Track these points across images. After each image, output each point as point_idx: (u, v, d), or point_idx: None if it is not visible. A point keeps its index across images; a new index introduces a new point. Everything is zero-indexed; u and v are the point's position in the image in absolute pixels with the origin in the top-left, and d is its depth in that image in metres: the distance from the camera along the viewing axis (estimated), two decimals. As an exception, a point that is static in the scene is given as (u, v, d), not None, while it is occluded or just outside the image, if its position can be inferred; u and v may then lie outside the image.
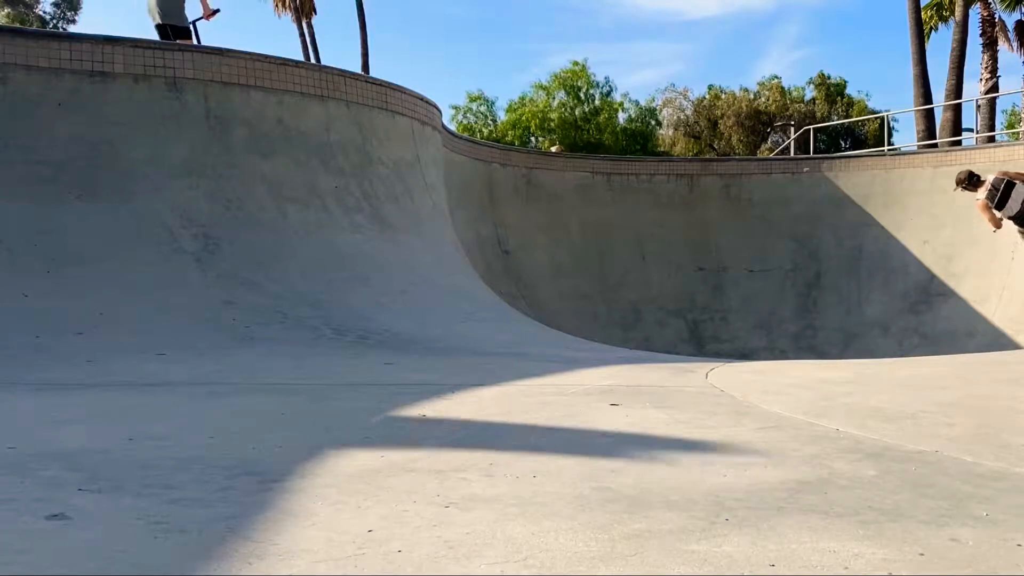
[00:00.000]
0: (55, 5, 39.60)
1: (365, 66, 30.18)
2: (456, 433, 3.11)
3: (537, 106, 38.24)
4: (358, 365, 5.22)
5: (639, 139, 38.60)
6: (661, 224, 14.29)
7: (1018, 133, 31.53)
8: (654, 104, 41.19)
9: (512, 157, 14.24)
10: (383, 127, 9.04)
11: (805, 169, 14.86)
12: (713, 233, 14.43)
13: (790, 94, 40.29)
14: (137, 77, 7.19)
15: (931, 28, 28.18)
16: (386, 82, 9.42)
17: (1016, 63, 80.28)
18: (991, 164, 13.54)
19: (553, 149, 18.68)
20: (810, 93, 40.64)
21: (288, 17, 32.27)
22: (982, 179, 8.08)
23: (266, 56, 8.08)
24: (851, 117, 37.70)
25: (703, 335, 13.75)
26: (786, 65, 77.89)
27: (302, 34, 31.34)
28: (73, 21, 39.94)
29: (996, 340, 11.72)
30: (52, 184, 6.55)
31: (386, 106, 9.16)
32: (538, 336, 7.90)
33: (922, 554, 1.85)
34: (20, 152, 6.56)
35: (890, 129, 27.58)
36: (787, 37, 72.80)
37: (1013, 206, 7.80)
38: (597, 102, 38.97)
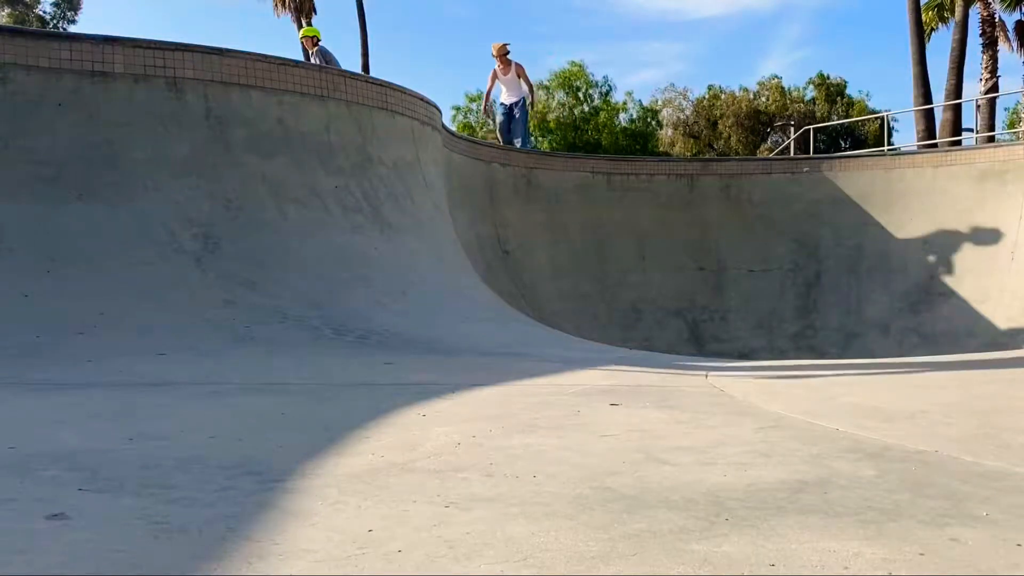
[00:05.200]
0: (55, 5, 39.61)
1: (365, 66, 30.18)
2: (456, 433, 3.11)
3: (537, 105, 38.26)
4: (358, 365, 5.23)
5: (639, 139, 38.63)
6: (661, 224, 14.27)
7: (1018, 133, 31.52)
8: (655, 104, 41.26)
9: (512, 157, 14.23)
10: (383, 127, 9.04)
11: (805, 169, 14.86)
12: (713, 233, 14.42)
13: (790, 94, 40.31)
14: (137, 77, 7.19)
15: (931, 28, 28.17)
16: (386, 82, 9.42)
17: (1016, 63, 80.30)
18: (991, 164, 13.56)
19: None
20: (810, 93, 40.67)
21: (288, 17, 32.28)
22: None
23: (266, 56, 8.08)
24: (851, 117, 37.71)
25: (703, 335, 13.75)
26: (787, 65, 78.02)
27: (302, 34, 31.32)
28: (73, 21, 39.96)
29: (996, 340, 11.71)
30: (52, 184, 6.55)
31: (386, 106, 9.15)
32: (538, 336, 7.90)
33: (922, 554, 1.85)
34: (20, 152, 6.56)
35: (890, 129, 27.58)
36: (788, 37, 72.82)
37: None
38: (596, 102, 39.00)
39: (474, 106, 40.09)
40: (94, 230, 6.48)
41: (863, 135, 37.78)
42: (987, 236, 13.21)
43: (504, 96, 13.93)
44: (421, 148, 9.70)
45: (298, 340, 5.92)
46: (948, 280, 13.24)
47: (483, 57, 71.83)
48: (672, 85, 56.76)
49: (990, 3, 26.46)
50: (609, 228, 14.04)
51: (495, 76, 13.86)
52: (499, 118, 14.11)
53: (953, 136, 22.49)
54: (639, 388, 4.30)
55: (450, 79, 73.59)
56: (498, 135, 14.72)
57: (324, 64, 11.26)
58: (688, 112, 41.32)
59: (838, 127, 37.79)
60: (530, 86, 14.08)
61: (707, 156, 35.16)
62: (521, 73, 13.80)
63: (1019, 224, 12.90)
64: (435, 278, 8.45)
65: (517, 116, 13.95)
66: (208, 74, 7.52)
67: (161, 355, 5.13)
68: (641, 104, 40.56)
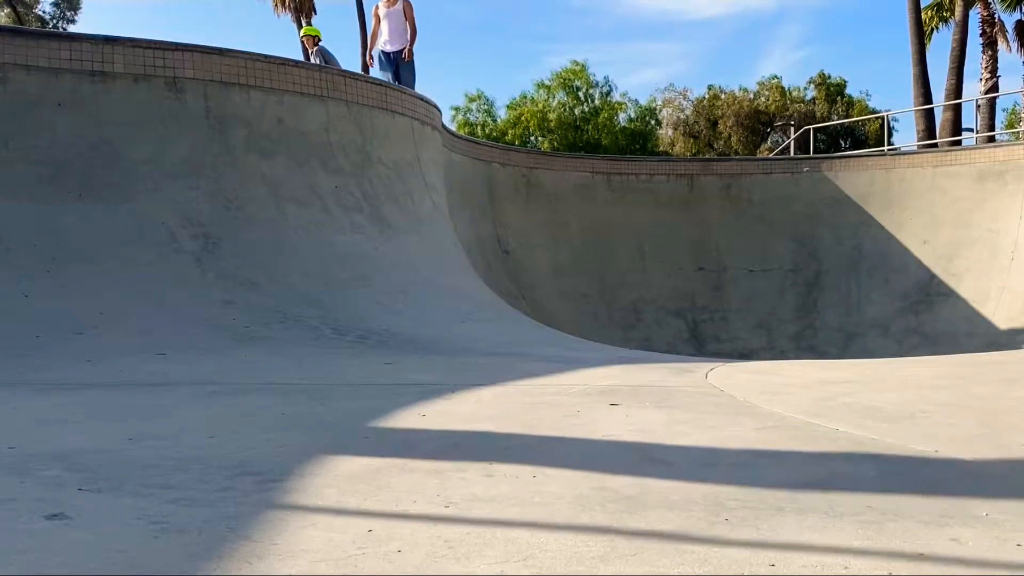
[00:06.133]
0: (55, 5, 39.58)
1: (365, 66, 30.17)
2: (456, 433, 3.11)
3: (537, 105, 38.23)
4: (358, 365, 5.23)
5: (639, 139, 38.61)
6: (661, 224, 14.28)
7: (1018, 133, 31.53)
8: (655, 104, 41.22)
9: (512, 157, 14.24)
10: (383, 127, 9.04)
11: (805, 169, 14.86)
12: (713, 233, 14.43)
13: (790, 94, 40.30)
14: (137, 77, 7.19)
15: (931, 28, 28.16)
16: (386, 82, 9.42)
17: (1016, 63, 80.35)
18: (991, 164, 13.56)
19: None
20: (810, 93, 40.65)
21: (288, 17, 32.27)
22: None
23: (266, 56, 8.08)
24: (851, 117, 37.70)
25: (703, 335, 13.75)
26: (787, 65, 78.03)
27: (302, 34, 31.29)
28: (73, 21, 39.92)
29: (996, 340, 11.72)
30: (52, 184, 6.55)
31: (386, 106, 9.16)
32: (538, 336, 7.90)
33: (922, 554, 1.85)
34: (20, 152, 6.56)
35: (890, 129, 27.59)
36: (788, 37, 72.86)
37: None
38: (597, 102, 38.98)
39: (474, 106, 40.05)
40: (94, 230, 6.47)
41: (863, 135, 37.79)
42: (987, 236, 13.21)
43: (385, 41, 10.92)
44: (421, 148, 9.70)
45: (298, 340, 5.92)
46: (948, 280, 13.24)
47: (483, 57, 71.96)
48: (672, 85, 56.77)
49: (990, 3, 26.46)
50: (609, 228, 14.04)
51: (378, 13, 11.04)
52: (380, 70, 11.04)
53: (953, 136, 22.49)
54: (639, 388, 4.30)
55: (450, 79, 73.64)
56: None
57: (324, 64, 11.24)
58: (688, 112, 41.32)
59: (838, 127, 37.79)
60: (414, 32, 10.91)
61: (707, 156, 35.16)
62: (408, 13, 10.87)
63: (1019, 224, 12.91)
64: (435, 278, 8.45)
65: (404, 67, 10.92)
66: (208, 74, 7.52)
67: (161, 355, 5.13)
68: (638, 104, 40.55)
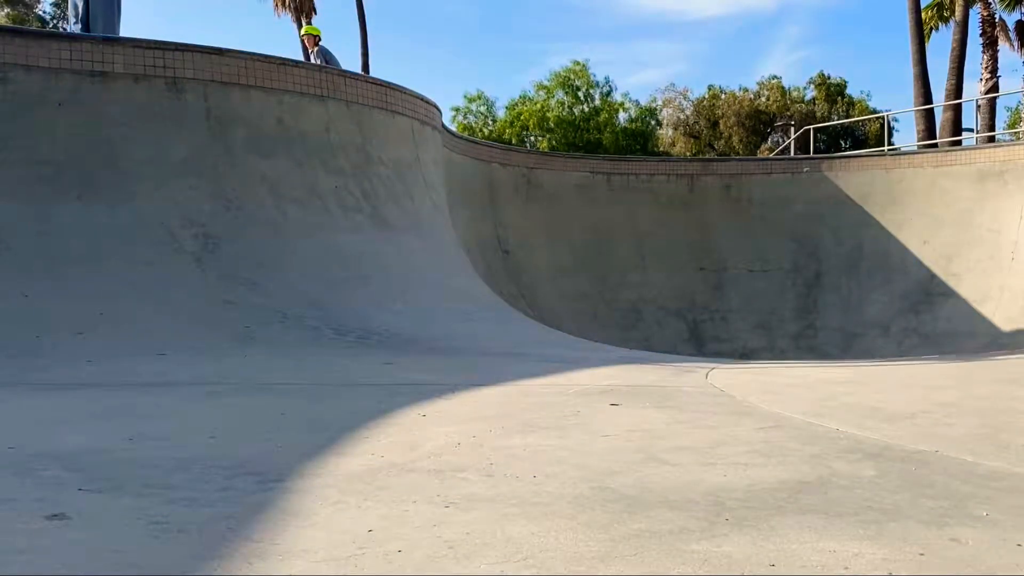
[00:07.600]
0: (55, 5, 39.58)
1: (365, 66, 30.14)
2: (456, 433, 3.11)
3: (536, 105, 38.19)
4: (358, 365, 5.22)
5: (639, 139, 38.59)
6: (661, 224, 14.28)
7: (1018, 133, 31.53)
8: (655, 104, 41.19)
9: (512, 157, 14.24)
10: (383, 127, 9.04)
11: (805, 169, 14.86)
12: (713, 233, 14.43)
13: (790, 94, 40.29)
14: (137, 77, 7.19)
15: (931, 28, 28.14)
16: (386, 82, 9.42)
17: (1016, 63, 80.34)
18: (991, 164, 13.56)
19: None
20: (810, 93, 40.64)
21: (288, 17, 32.25)
22: None
23: (266, 56, 8.08)
24: (851, 117, 37.69)
25: (703, 335, 13.75)
26: (787, 65, 77.99)
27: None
28: (73, 21, 39.89)
29: (996, 340, 11.71)
30: (52, 184, 6.55)
31: (386, 106, 9.15)
32: (538, 336, 7.90)
33: (922, 554, 1.85)
34: (20, 152, 6.56)
35: (890, 129, 27.57)
36: (788, 37, 72.85)
37: None
38: (597, 102, 38.96)
39: (474, 106, 40.01)
40: (94, 230, 6.47)
41: (863, 135, 37.79)
42: (987, 236, 13.21)
43: None
44: (421, 148, 9.70)
45: (298, 340, 5.92)
46: (948, 280, 13.23)
47: (483, 57, 71.95)
48: (672, 85, 56.72)
49: (990, 3, 26.45)
50: (609, 228, 14.04)
51: None
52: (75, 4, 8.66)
53: (953, 136, 22.48)
54: (639, 388, 4.30)
55: (450, 79, 73.68)
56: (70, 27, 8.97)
57: (324, 64, 11.24)
58: (688, 112, 41.31)
59: (838, 127, 37.78)
60: None
61: (707, 156, 35.15)
62: None
63: (1019, 224, 12.90)
64: (435, 278, 8.45)
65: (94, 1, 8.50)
66: (208, 74, 7.52)
67: (161, 355, 5.13)
68: (638, 104, 40.53)
